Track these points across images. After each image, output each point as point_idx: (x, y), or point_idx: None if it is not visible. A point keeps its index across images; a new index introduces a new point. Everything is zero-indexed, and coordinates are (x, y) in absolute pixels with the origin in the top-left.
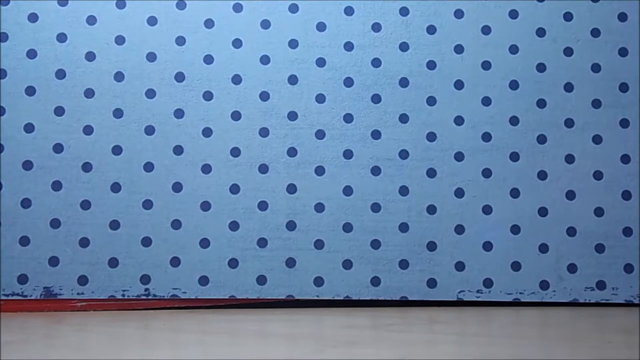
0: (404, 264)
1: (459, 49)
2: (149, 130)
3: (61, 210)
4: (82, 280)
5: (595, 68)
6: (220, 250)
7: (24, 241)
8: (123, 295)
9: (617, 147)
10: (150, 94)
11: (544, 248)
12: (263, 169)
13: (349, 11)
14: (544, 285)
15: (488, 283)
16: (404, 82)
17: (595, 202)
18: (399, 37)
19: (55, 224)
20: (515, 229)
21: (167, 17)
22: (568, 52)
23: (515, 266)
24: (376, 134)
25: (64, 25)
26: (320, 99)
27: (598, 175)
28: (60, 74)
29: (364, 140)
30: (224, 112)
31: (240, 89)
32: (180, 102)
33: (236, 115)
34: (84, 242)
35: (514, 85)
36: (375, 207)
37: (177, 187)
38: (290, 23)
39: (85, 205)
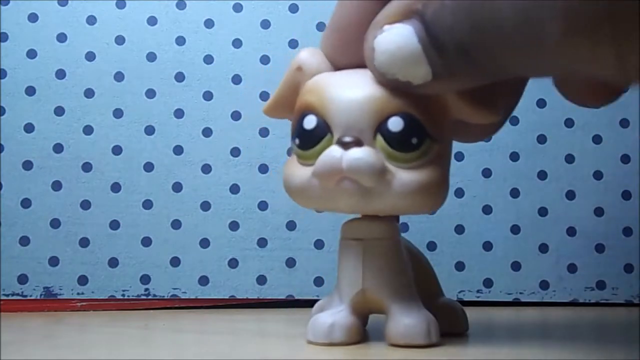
0: None
1: None
2: (149, 130)
3: (61, 210)
4: (82, 280)
5: None
6: (220, 250)
7: (24, 241)
8: (123, 295)
9: (617, 147)
10: (150, 94)
11: (544, 248)
12: (263, 169)
13: None
14: (544, 285)
15: (488, 283)
16: None
17: (595, 202)
18: None
19: (55, 224)
20: (515, 229)
21: (167, 17)
22: None
23: (515, 266)
24: None
25: (64, 25)
26: None
27: (598, 175)
28: (60, 74)
29: None
30: (224, 112)
31: (240, 89)
32: (180, 102)
33: (236, 115)
34: (84, 242)
35: None
36: None
37: (177, 187)
38: (290, 23)
39: (85, 205)
